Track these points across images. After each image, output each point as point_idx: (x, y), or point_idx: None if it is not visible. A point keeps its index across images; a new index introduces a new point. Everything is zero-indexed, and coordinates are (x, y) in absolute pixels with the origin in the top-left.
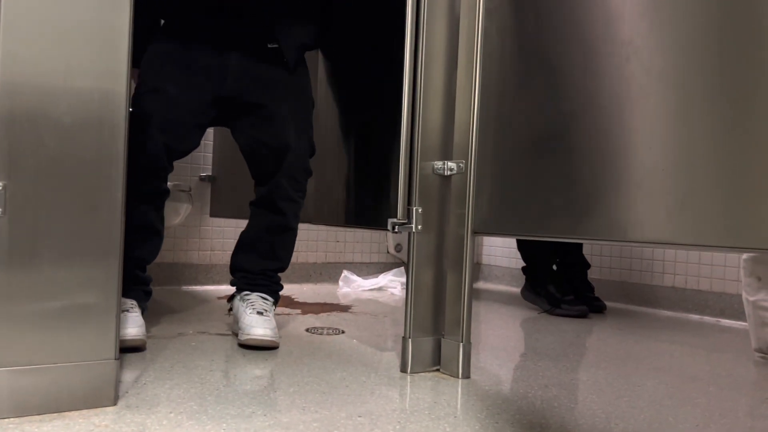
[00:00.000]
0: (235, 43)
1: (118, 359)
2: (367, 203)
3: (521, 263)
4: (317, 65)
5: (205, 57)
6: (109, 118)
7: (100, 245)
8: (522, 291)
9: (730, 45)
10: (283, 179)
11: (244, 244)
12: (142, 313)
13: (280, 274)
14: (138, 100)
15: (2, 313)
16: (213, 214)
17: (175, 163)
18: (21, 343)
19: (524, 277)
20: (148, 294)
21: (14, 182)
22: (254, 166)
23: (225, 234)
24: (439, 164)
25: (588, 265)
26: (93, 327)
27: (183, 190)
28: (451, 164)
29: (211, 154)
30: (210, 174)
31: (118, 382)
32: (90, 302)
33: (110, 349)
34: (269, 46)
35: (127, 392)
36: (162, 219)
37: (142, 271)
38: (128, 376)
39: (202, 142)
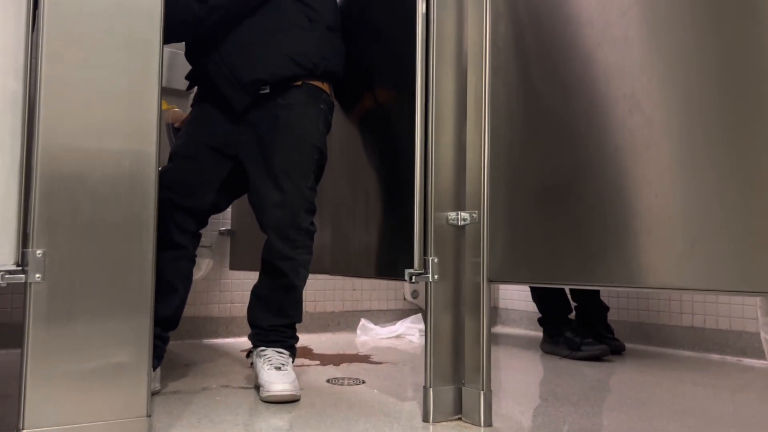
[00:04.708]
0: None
1: (149, 416)
2: (383, 254)
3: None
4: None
5: (206, 112)
6: (140, 177)
7: (132, 305)
8: (541, 344)
9: (727, 96)
10: (274, 238)
11: (255, 298)
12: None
13: (297, 325)
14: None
15: (42, 375)
16: (233, 268)
17: None
18: (59, 404)
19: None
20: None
21: (52, 248)
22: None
23: (245, 286)
24: (452, 215)
25: (607, 308)
26: (126, 385)
27: (204, 246)
28: (464, 214)
29: (230, 209)
30: (229, 228)
31: None
32: (123, 360)
33: (142, 407)
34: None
35: None
36: (177, 273)
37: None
38: None
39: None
